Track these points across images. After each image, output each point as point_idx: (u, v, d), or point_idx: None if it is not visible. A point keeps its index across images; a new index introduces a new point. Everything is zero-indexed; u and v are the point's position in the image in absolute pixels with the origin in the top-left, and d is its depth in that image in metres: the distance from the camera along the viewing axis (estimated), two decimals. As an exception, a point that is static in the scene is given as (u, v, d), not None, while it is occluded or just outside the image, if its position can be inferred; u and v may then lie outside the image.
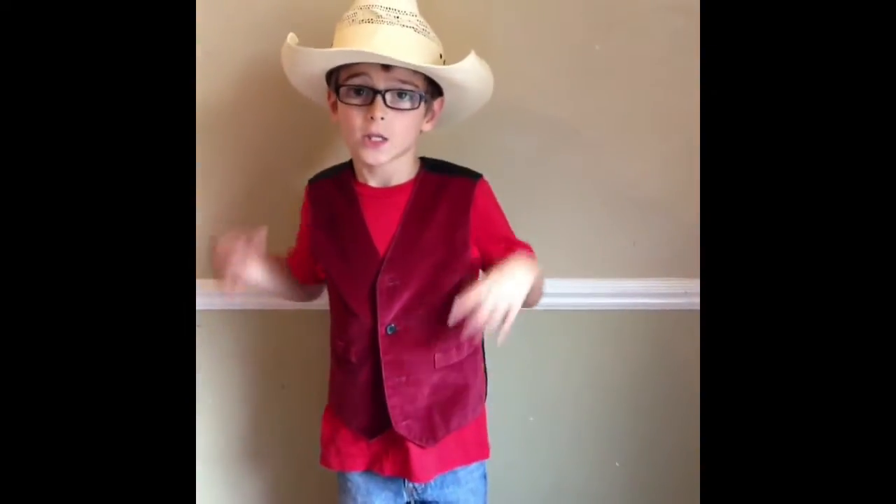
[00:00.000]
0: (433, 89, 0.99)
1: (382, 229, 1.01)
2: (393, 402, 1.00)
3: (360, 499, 1.08)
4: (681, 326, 1.28)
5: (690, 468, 1.35)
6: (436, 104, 1.01)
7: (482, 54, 0.97)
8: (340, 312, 1.04)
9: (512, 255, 0.95)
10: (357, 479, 1.08)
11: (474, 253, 1.02)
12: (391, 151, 0.96)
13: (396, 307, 0.99)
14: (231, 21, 1.16)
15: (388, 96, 0.93)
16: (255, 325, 1.32)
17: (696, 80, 0.68)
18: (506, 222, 1.06)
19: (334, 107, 1.00)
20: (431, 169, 1.04)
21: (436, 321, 0.99)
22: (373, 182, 1.03)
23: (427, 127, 1.02)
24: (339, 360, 1.06)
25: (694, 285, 1.27)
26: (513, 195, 1.11)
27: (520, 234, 1.07)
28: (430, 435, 1.02)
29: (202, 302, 1.21)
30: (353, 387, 1.03)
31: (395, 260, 0.99)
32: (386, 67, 0.92)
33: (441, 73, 0.94)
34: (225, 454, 1.39)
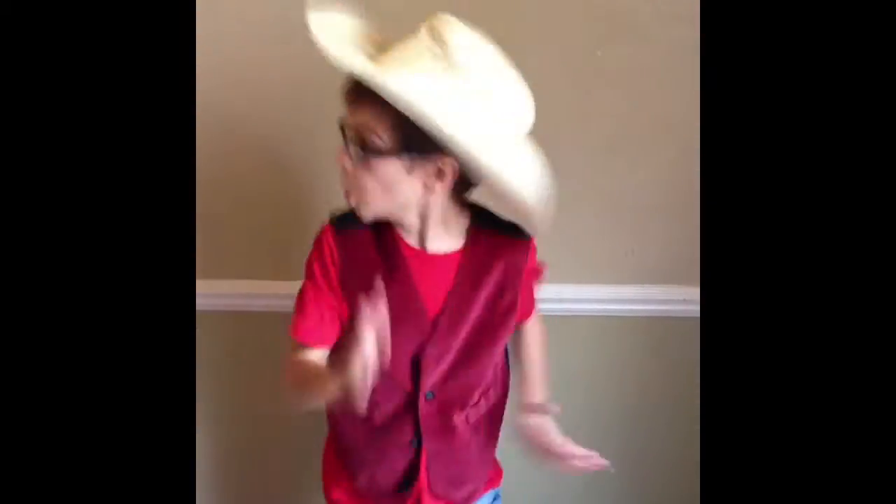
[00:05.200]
0: (418, 142, 0.79)
1: (430, 296, 0.92)
2: (434, 469, 0.97)
3: None
4: (679, 333, 1.29)
5: (688, 476, 1.35)
6: (445, 163, 0.82)
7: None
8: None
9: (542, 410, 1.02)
10: None
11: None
12: (368, 207, 0.86)
13: (437, 374, 0.94)
14: (234, 25, 1.16)
15: (351, 146, 0.81)
16: (255, 327, 1.32)
17: (696, 87, 0.68)
18: (538, 277, 1.03)
19: None
20: (482, 226, 0.93)
21: (470, 381, 0.96)
22: (413, 243, 0.92)
23: (439, 187, 0.84)
24: (358, 418, 0.95)
25: (692, 292, 1.28)
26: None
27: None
28: (469, 495, 1.02)
29: (202, 303, 1.21)
30: (373, 447, 0.98)
31: (443, 330, 0.92)
32: (352, 102, 0.81)
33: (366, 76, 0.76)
34: (224, 459, 1.39)
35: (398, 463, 0.98)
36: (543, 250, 1.11)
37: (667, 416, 1.38)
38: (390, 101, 0.75)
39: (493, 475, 1.09)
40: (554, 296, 1.17)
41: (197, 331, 0.95)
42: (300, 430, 1.35)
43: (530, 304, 1.04)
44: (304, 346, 0.94)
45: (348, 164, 0.83)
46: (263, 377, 1.35)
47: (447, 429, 0.96)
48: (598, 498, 1.44)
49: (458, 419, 0.97)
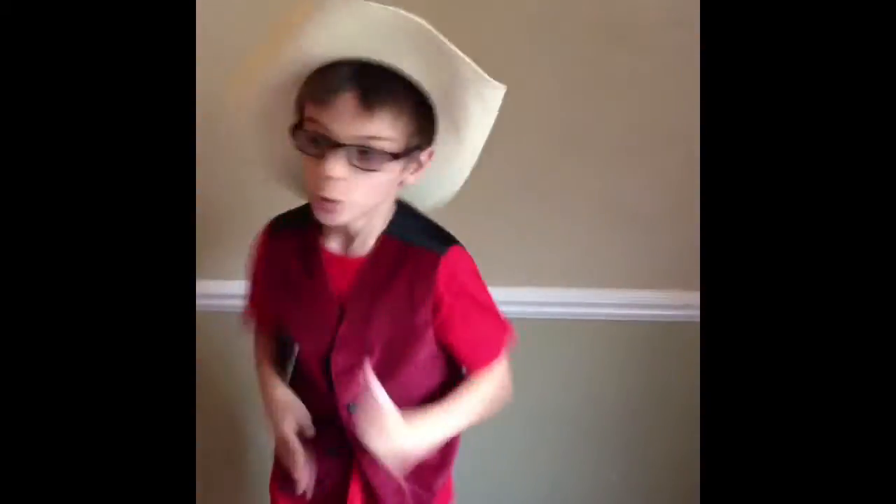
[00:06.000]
0: (420, 136, 0.79)
1: (337, 302, 0.89)
2: (376, 481, 0.94)
3: None
4: (680, 338, 1.29)
5: (689, 481, 1.35)
6: (424, 155, 0.82)
7: (483, 64, 0.88)
8: (300, 378, 0.98)
9: (452, 395, 0.89)
10: None
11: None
12: (349, 213, 0.80)
13: (355, 387, 0.89)
14: (235, 20, 1.16)
15: (351, 152, 0.75)
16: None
17: (696, 94, 0.68)
18: (478, 311, 0.90)
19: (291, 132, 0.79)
20: (394, 232, 0.87)
21: (403, 393, 0.89)
22: (334, 245, 0.89)
23: (411, 179, 0.83)
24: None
25: (693, 297, 1.28)
26: (514, 205, 1.11)
27: (521, 244, 1.06)
28: (428, 492, 0.96)
29: (202, 304, 1.21)
30: (314, 436, 0.96)
31: (346, 338, 0.88)
32: (361, 111, 0.73)
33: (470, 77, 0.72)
34: (224, 457, 1.40)
35: (323, 471, 0.95)
36: (546, 255, 1.11)
37: (668, 422, 1.37)
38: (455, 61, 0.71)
39: (441, 497, 1.00)
40: (554, 300, 1.17)
41: (197, 331, 0.96)
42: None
43: (474, 346, 0.91)
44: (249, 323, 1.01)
45: (343, 173, 0.76)
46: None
47: None
48: (597, 502, 1.44)
49: None
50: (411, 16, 0.68)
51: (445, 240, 0.88)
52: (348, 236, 0.88)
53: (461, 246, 0.88)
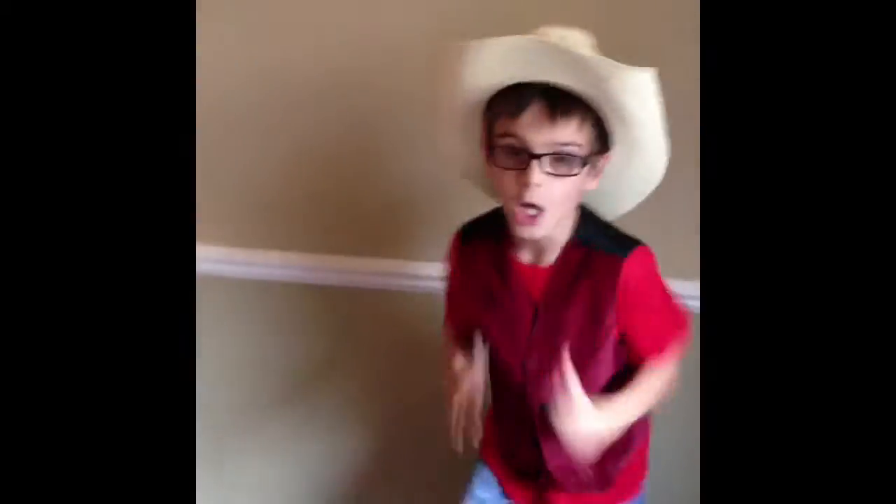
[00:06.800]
0: (599, 142, 0.85)
1: (531, 309, 0.93)
2: (554, 464, 0.98)
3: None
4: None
5: (688, 471, 1.34)
6: (602, 159, 0.87)
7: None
8: (493, 380, 1.01)
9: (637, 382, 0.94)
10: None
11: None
12: (549, 223, 0.85)
13: (547, 388, 0.91)
14: (236, 24, 1.16)
15: (545, 161, 0.82)
16: (254, 295, 1.33)
17: (696, 82, 0.67)
18: (658, 307, 0.94)
19: (488, 155, 0.87)
20: (579, 239, 0.91)
21: (589, 385, 0.91)
22: (525, 256, 0.93)
23: (592, 185, 0.88)
24: (495, 400, 1.04)
25: (692, 287, 1.28)
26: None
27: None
28: (603, 480, 1.00)
29: (203, 268, 1.22)
30: (509, 429, 1.03)
31: (538, 342, 0.93)
32: (552, 119, 0.80)
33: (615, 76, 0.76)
34: (226, 420, 1.41)
35: (524, 453, 1.01)
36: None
37: (667, 410, 1.38)
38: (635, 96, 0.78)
39: (625, 482, 1.04)
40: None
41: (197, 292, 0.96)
42: (301, 389, 1.38)
43: (651, 340, 0.95)
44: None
45: (541, 180, 0.82)
46: (264, 346, 1.36)
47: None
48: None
49: None
50: (532, 37, 0.78)
51: (628, 242, 0.91)
52: (538, 248, 0.92)
53: (644, 246, 0.91)
